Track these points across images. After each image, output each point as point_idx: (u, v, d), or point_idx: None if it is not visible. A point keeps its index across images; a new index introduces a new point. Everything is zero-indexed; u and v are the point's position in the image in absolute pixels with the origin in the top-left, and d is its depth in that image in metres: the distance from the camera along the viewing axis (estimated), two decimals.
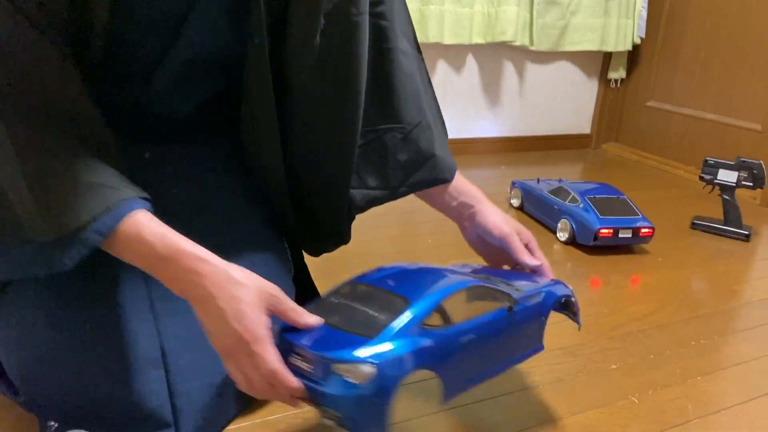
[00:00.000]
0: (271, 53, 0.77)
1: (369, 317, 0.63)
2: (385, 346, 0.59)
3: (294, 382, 0.61)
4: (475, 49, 2.29)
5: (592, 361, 1.06)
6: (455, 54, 2.27)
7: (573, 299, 0.84)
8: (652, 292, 1.36)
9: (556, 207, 1.63)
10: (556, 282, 0.85)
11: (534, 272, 0.91)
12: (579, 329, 0.89)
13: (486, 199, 0.95)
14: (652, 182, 2.28)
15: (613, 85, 2.61)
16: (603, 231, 1.50)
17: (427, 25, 2.08)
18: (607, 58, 2.57)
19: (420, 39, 2.08)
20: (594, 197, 1.58)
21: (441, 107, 0.99)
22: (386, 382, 0.58)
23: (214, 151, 0.93)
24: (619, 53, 2.54)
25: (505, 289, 0.74)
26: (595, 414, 0.92)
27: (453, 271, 0.76)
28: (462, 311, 0.67)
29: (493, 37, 2.20)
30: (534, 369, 1.03)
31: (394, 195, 0.94)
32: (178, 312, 0.74)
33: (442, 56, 2.24)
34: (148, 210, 0.63)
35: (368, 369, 0.57)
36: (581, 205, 1.56)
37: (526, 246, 0.91)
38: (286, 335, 0.64)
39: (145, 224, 0.61)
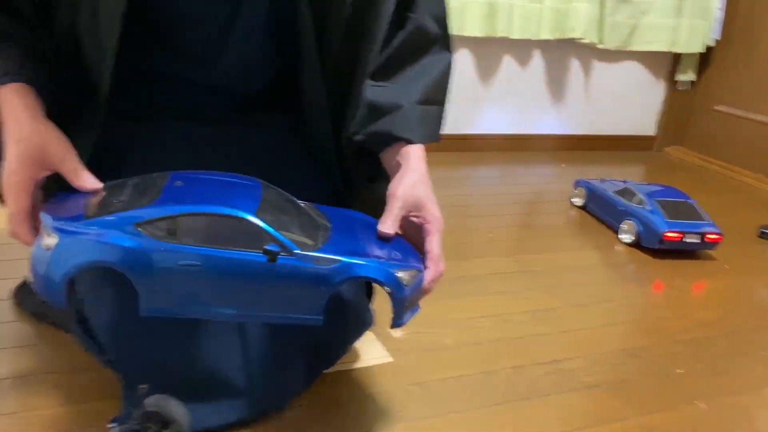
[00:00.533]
0: (315, 16, 0.79)
1: (115, 203, 0.62)
2: (82, 227, 0.59)
3: (22, 230, 0.66)
4: (543, 44, 2.26)
5: (656, 364, 1.05)
6: (522, 49, 2.25)
7: (388, 290, 0.67)
8: (718, 299, 1.34)
9: (621, 208, 1.61)
10: (401, 265, 0.68)
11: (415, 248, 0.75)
12: (389, 329, 0.71)
13: (419, 165, 0.80)
14: (717, 188, 2.23)
15: (681, 87, 2.55)
16: (669, 234, 1.47)
17: (495, 18, 2.06)
18: (676, 59, 2.51)
19: (487, 32, 2.09)
20: (661, 200, 1.56)
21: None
22: (62, 258, 0.59)
23: (280, 130, 0.94)
24: (690, 55, 2.48)
25: (286, 238, 0.62)
26: (661, 417, 0.91)
27: (258, 202, 0.64)
28: (206, 236, 0.60)
29: (561, 33, 2.17)
30: (596, 368, 1.02)
31: (349, 141, 0.85)
32: None
33: (509, 51, 2.23)
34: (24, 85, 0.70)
35: (52, 239, 0.59)
36: (648, 207, 1.54)
37: (421, 227, 0.76)
38: (61, 193, 0.67)
39: (17, 89, 0.69)
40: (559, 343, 1.09)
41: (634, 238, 1.55)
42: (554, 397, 0.94)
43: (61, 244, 0.59)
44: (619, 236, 1.59)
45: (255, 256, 0.61)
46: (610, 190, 1.70)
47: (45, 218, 0.61)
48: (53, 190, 0.69)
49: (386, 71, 0.83)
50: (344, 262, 0.64)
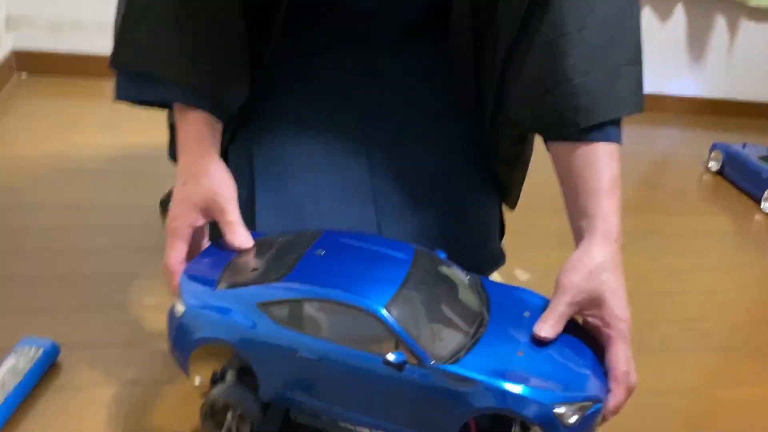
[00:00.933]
0: None
1: (249, 273, 0.59)
2: (207, 301, 0.57)
3: (173, 282, 0.62)
4: None
5: None
6: (663, 2, 2.12)
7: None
8: None
9: (765, 175, 1.51)
10: (566, 397, 0.51)
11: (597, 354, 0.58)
12: None
13: (606, 234, 0.60)
14: None
15: None
16: None
17: None
18: None
19: None
20: None
21: None
22: (187, 329, 0.58)
23: (429, 62, 0.93)
24: None
25: (418, 344, 0.52)
26: None
27: (399, 286, 0.55)
28: (329, 327, 0.53)
29: None
30: (734, 332, 0.98)
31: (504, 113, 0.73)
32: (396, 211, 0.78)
33: (649, 3, 2.11)
34: (211, 113, 0.67)
35: (180, 307, 0.58)
36: None
37: (600, 330, 0.58)
38: (214, 243, 0.65)
39: (196, 119, 0.66)
40: (692, 303, 1.04)
41: None
42: (687, 354, 0.90)
43: (186, 316, 0.58)
44: (762, 205, 1.49)
45: (373, 359, 0.52)
46: (753, 155, 1.59)
47: (182, 280, 0.60)
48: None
49: (552, 16, 0.64)
50: (485, 384, 0.51)
